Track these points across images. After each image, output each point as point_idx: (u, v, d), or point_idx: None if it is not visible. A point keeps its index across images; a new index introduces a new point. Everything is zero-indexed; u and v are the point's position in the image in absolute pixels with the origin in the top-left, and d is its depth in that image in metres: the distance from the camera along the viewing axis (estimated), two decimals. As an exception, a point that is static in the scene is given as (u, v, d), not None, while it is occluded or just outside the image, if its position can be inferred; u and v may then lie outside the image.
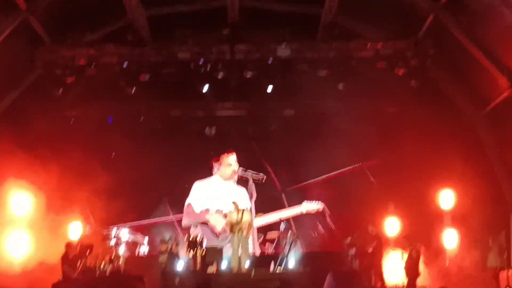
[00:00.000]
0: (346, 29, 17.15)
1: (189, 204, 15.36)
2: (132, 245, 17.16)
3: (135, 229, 17.16)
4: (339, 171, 19.36)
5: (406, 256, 16.15)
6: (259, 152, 18.92)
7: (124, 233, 16.85)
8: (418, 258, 16.05)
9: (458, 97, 17.22)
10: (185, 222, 16.09)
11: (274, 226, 17.44)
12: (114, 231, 16.66)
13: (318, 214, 18.69)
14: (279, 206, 18.11)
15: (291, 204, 17.64)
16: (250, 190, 15.68)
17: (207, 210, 15.33)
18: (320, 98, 17.90)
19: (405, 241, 16.36)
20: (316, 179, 19.43)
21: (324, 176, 19.33)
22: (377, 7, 16.13)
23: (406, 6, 16.00)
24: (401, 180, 17.59)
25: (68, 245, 16.13)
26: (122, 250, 16.62)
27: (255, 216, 14.95)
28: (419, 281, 16.00)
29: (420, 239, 17.04)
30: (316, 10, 16.76)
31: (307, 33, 17.26)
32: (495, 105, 16.11)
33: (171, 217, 18.57)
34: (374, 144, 18.99)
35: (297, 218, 18.30)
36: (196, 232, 14.55)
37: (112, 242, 16.47)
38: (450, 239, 17.41)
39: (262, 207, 15.42)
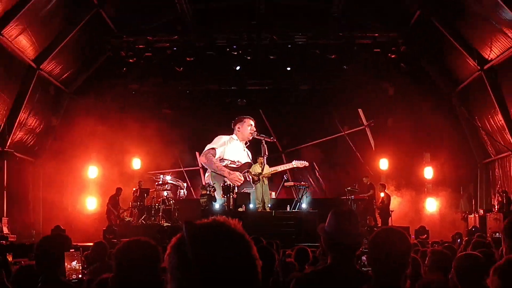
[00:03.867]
0: (351, 21, 20.49)
1: (213, 148, 19.21)
2: (174, 189, 21.33)
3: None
4: (331, 136, 22.99)
5: (380, 200, 19.89)
6: (266, 120, 22.54)
7: (169, 179, 20.70)
8: (389, 202, 19.70)
9: (438, 77, 21.09)
10: (204, 161, 19.76)
11: (276, 178, 20.98)
12: (161, 177, 20.61)
13: (312, 171, 22.22)
14: (280, 163, 21.69)
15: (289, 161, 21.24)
16: (264, 149, 19.11)
17: (225, 165, 18.71)
18: (329, 76, 21.51)
19: (381, 187, 20.07)
20: (312, 142, 23.05)
21: (321, 140, 22.96)
22: (376, 2, 19.76)
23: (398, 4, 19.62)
24: (392, 142, 21.49)
25: (118, 189, 20.49)
26: (166, 193, 20.69)
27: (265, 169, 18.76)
28: (402, 221, 19.67)
29: (407, 188, 21.11)
30: (327, 4, 19.92)
31: (319, 23, 20.70)
32: (467, 83, 20.05)
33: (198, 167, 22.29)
34: (371, 114, 22.75)
35: (300, 174, 22.16)
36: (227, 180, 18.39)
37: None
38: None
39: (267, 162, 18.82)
